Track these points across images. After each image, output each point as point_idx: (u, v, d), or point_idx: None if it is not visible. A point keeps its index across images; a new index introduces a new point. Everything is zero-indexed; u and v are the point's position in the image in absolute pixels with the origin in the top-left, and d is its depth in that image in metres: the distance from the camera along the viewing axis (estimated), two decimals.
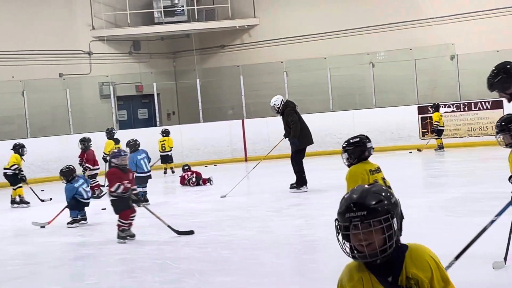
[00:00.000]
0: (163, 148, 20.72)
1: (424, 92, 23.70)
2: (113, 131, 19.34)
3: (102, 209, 13.36)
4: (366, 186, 3.40)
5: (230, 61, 27.46)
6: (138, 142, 15.02)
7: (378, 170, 7.49)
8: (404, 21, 24.53)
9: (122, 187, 10.19)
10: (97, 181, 17.02)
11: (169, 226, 10.49)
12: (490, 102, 21.63)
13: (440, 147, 21.31)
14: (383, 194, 3.31)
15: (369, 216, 3.23)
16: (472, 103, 21.96)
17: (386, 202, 3.29)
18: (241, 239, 9.85)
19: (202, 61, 28.56)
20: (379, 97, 23.85)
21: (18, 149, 16.29)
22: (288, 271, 7.91)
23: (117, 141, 18.80)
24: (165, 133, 20.87)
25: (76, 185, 12.35)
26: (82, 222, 12.20)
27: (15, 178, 15.97)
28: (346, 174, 7.71)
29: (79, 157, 17.33)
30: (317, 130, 23.12)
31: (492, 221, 7.33)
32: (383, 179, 7.42)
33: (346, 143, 7.82)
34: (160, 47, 28.91)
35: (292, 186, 14.70)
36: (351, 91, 25.14)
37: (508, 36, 22.64)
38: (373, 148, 7.75)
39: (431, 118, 22.35)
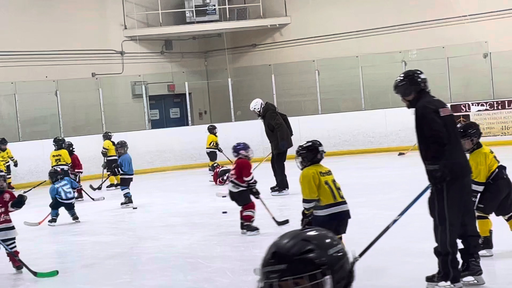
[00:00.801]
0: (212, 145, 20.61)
1: (457, 90, 23.53)
2: (109, 133, 19.24)
3: (223, 212, 12.95)
4: (300, 229, 2.63)
5: (261, 60, 27.45)
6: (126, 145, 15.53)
7: (329, 172, 7.98)
8: (436, 19, 24.36)
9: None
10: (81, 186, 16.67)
11: (273, 218, 10.80)
12: None
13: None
14: (317, 241, 2.48)
15: (287, 272, 2.46)
16: (506, 101, 21.77)
17: (317, 253, 2.44)
18: (273, 238, 9.81)
19: (233, 60, 28.58)
20: None
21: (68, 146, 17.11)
22: None
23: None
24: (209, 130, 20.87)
25: (57, 185, 12.59)
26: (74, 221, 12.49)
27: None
28: (299, 177, 8.09)
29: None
30: (349, 129, 23.18)
31: (395, 220, 7.95)
32: (333, 181, 7.93)
33: (300, 148, 8.23)
34: (191, 46, 28.98)
35: (273, 189, 14.71)
36: (383, 89, 24.94)
37: None
38: (324, 152, 8.19)
39: (464, 116, 22.21)
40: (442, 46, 23.42)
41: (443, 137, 7.00)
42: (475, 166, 7.99)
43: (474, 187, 7.78)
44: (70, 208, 12.58)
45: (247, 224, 10.00)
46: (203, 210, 13.23)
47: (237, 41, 28.40)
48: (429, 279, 6.98)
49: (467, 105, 22.20)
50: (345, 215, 8.06)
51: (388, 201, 12.47)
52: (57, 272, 8.26)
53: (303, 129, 22.15)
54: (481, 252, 7.51)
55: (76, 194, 13.56)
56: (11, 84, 22.36)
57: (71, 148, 17.33)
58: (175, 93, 27.50)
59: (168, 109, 28.21)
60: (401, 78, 8.08)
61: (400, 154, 21.20)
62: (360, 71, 24.13)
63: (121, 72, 26.37)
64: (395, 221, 7.81)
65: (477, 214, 7.85)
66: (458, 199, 6.91)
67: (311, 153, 8.10)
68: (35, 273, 8.41)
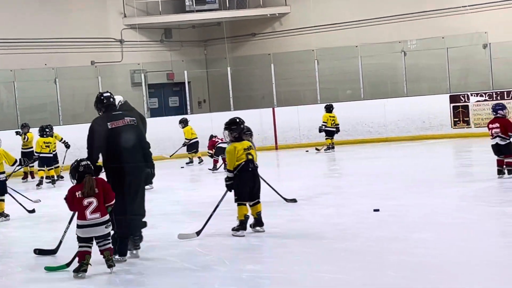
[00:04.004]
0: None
1: (456, 81, 23.53)
2: (47, 129, 18.84)
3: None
4: None
5: (261, 49, 27.44)
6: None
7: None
8: (436, 9, 24.35)
9: None
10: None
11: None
12: None
13: (329, 147, 21.19)
14: None
15: None
16: (505, 92, 21.75)
17: None
18: (271, 227, 9.84)
19: (233, 49, 28.56)
20: (411, 85, 23.70)
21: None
22: (318, 259, 7.90)
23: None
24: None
25: None
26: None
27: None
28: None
29: None
30: (348, 118, 23.15)
31: (217, 206, 9.62)
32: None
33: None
34: (191, 35, 28.96)
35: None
36: (383, 79, 25.02)
37: None
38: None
39: (463, 107, 22.22)
40: (442, 36, 23.39)
41: None
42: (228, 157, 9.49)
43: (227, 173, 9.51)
44: None
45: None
46: (201, 198, 13.23)
47: (236, 30, 28.37)
48: None
49: (466, 95, 22.21)
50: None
51: (387, 191, 12.48)
52: (66, 266, 8.22)
53: (302, 119, 22.16)
54: (237, 233, 9.29)
55: None
56: (10, 71, 22.36)
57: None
58: (174, 81, 27.50)
59: (167, 98, 28.21)
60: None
61: (316, 150, 21.27)
62: (359, 61, 24.10)
63: (121, 60, 26.36)
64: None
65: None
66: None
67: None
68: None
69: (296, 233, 9.42)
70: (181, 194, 14.64)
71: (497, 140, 12.76)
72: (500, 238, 8.25)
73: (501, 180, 12.68)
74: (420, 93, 23.33)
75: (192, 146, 20.29)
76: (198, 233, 9.30)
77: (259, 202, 9.54)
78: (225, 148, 17.97)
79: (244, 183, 9.42)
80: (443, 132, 22.42)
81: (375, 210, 10.28)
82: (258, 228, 9.55)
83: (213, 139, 18.19)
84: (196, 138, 20.28)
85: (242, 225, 9.39)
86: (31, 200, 13.87)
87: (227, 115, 23.21)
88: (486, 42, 23.12)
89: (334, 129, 21.28)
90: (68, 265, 8.19)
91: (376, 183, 13.57)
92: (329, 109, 21.38)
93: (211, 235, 9.57)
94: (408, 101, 23.15)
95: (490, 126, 12.99)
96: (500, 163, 12.80)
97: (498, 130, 12.75)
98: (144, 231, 8.79)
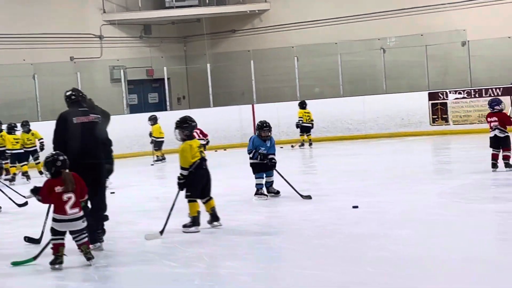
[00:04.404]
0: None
1: (435, 78, 23.64)
2: (15, 127, 18.75)
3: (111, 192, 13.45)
4: None
5: (240, 46, 27.44)
6: None
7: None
8: (415, 6, 24.45)
9: None
10: None
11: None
12: (501, 88, 21.56)
13: (309, 143, 21.37)
14: None
15: None
16: (483, 90, 21.88)
17: None
18: (250, 224, 9.87)
19: (212, 46, 28.53)
20: (390, 83, 23.79)
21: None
22: (297, 256, 7.92)
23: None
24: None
25: None
26: None
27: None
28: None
29: None
30: (327, 115, 23.21)
31: (173, 205, 9.47)
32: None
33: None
34: (170, 31, 28.90)
35: None
36: (362, 76, 25.08)
37: None
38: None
39: (442, 104, 22.32)
40: (421, 34, 23.51)
41: None
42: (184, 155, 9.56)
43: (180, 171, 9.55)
44: None
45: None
46: (180, 194, 13.20)
47: (216, 26, 28.34)
48: None
49: (444, 93, 22.32)
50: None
51: (365, 188, 12.51)
52: (33, 259, 8.23)
53: (281, 115, 22.18)
54: (190, 229, 9.41)
55: None
56: None
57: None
58: (154, 78, 27.46)
59: (147, 94, 28.15)
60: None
61: (292, 146, 21.44)
62: (339, 58, 24.17)
63: (100, 56, 26.26)
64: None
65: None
66: None
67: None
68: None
69: (275, 230, 9.44)
70: (160, 191, 14.61)
71: (496, 132, 13.09)
72: (477, 235, 8.30)
73: (479, 177, 12.77)
74: (399, 90, 23.41)
75: (157, 144, 20.17)
76: (161, 232, 9.30)
77: (211, 198, 9.69)
78: (204, 144, 18.02)
79: (198, 181, 9.56)
80: (421, 129, 22.52)
81: (354, 207, 10.31)
82: (215, 223, 9.67)
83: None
84: (163, 138, 20.11)
85: (195, 222, 9.50)
86: (23, 196, 13.80)
87: (207, 112, 23.50)
88: (465, 40, 23.25)
89: (310, 125, 21.38)
90: (35, 258, 8.21)
91: (355, 180, 13.61)
92: (302, 105, 21.48)
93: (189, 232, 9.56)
94: (387, 98, 23.23)
95: (489, 119, 13.34)
96: (494, 157, 13.09)
97: (496, 123, 13.10)
98: (124, 227, 8.77)
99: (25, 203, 12.73)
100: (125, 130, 21.47)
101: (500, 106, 13.34)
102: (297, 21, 26.55)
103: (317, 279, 6.92)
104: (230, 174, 16.11)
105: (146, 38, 28.05)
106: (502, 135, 13.08)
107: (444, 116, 22.38)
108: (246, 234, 9.30)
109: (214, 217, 9.69)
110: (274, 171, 12.00)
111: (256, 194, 11.88)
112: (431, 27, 23.69)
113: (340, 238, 8.76)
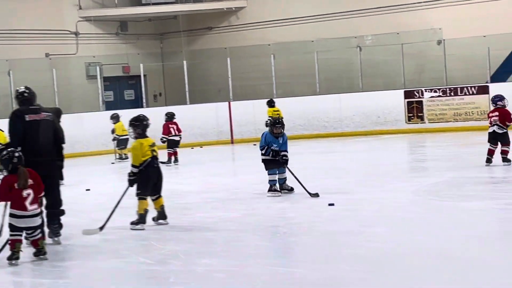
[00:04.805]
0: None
1: (410, 76, 23.73)
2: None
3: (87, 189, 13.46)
4: None
5: (217, 43, 27.41)
6: None
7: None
8: (392, 5, 24.52)
9: None
10: None
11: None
12: (476, 87, 21.70)
13: None
14: None
15: None
16: (458, 88, 22.00)
17: None
18: (226, 221, 9.87)
19: (189, 43, 28.49)
20: (366, 81, 23.85)
21: None
22: (272, 253, 7.94)
23: None
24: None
25: None
26: None
27: None
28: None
29: None
30: (304, 113, 23.24)
31: (119, 201, 9.61)
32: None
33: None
34: (147, 28, 28.82)
35: None
36: (338, 74, 25.13)
37: (495, 22, 22.68)
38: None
39: (417, 102, 22.42)
40: (397, 32, 23.59)
41: None
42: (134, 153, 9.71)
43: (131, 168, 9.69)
44: None
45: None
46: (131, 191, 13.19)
47: (193, 23, 28.29)
48: None
49: (420, 91, 22.42)
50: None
51: (341, 185, 12.55)
52: None
53: (258, 113, 22.17)
54: (136, 227, 9.49)
55: None
56: None
57: None
58: (130, 74, 27.36)
59: (123, 91, 28.05)
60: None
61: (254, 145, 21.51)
62: (315, 56, 24.20)
63: (76, 52, 26.14)
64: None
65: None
66: None
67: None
68: None
69: (251, 227, 9.44)
70: (135, 188, 14.53)
71: (495, 128, 13.44)
72: (452, 232, 8.34)
73: (454, 174, 12.86)
74: (375, 88, 23.47)
75: (121, 142, 20.01)
76: (101, 228, 9.39)
77: (160, 196, 9.76)
78: (178, 140, 18.01)
79: (149, 179, 9.64)
80: (397, 127, 22.60)
81: (330, 205, 10.33)
82: (161, 221, 9.77)
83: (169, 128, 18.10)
84: (127, 135, 19.97)
85: (141, 219, 9.59)
86: None
87: (183, 109, 23.44)
88: (441, 39, 23.36)
89: None
90: None
91: (331, 178, 13.65)
92: (271, 104, 21.54)
93: (165, 229, 9.55)
94: (363, 96, 23.28)
95: (490, 114, 13.73)
96: (490, 152, 13.45)
97: (497, 118, 13.44)
98: (98, 225, 8.73)
99: None
100: (101, 127, 21.39)
101: (503, 102, 13.69)
102: (273, 18, 26.56)
103: (292, 276, 6.94)
104: (206, 172, 16.13)
105: (123, 34, 27.95)
106: (500, 131, 13.40)
107: (419, 114, 22.47)
108: (222, 231, 9.30)
109: (161, 215, 9.79)
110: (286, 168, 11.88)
111: (269, 190, 11.77)
112: (407, 26, 23.79)
113: (316, 235, 8.78)
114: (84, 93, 25.33)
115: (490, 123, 13.58)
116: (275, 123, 11.98)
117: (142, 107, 24.46)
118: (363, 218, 9.55)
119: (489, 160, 13.40)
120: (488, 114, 14.05)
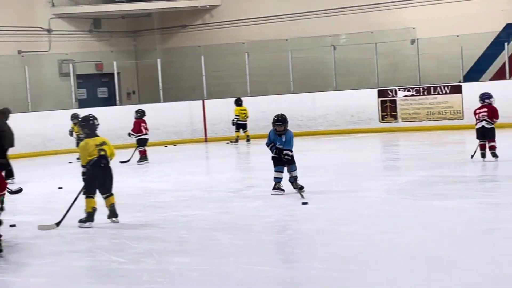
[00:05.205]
0: None
1: (384, 75, 23.80)
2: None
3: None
4: None
5: (191, 41, 27.36)
6: None
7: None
8: (366, 4, 24.60)
9: None
10: None
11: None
12: (449, 86, 21.82)
13: (247, 139, 21.66)
14: None
15: None
16: (432, 87, 22.11)
17: None
18: (199, 220, 9.85)
19: (163, 41, 28.41)
20: (340, 79, 23.91)
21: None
22: (246, 252, 7.92)
23: None
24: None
25: None
26: None
27: None
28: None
29: None
30: (277, 111, 23.13)
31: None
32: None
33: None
34: (121, 25, 28.69)
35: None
36: (312, 73, 25.16)
37: (468, 22, 22.81)
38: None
39: (391, 101, 22.50)
40: (371, 31, 23.66)
41: None
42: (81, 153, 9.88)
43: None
44: None
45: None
46: (129, 190, 13.14)
47: (166, 21, 28.23)
48: None
49: (394, 90, 22.51)
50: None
51: (315, 184, 12.55)
52: None
53: (232, 111, 22.15)
54: (84, 225, 9.60)
55: None
56: None
57: None
58: (103, 72, 27.24)
59: (96, 89, 27.91)
60: None
61: (227, 143, 21.71)
62: (289, 54, 24.21)
63: (48, 50, 25.97)
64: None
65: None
66: None
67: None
68: None
69: (225, 226, 9.41)
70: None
71: (483, 123, 13.89)
72: (424, 231, 8.37)
73: (426, 173, 12.93)
74: (349, 87, 23.53)
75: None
76: (57, 224, 9.52)
77: (111, 194, 9.83)
78: (146, 139, 17.96)
79: (94, 178, 9.72)
80: (371, 126, 22.67)
81: (303, 203, 10.34)
82: (113, 219, 9.82)
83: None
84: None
85: (89, 217, 9.68)
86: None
87: (157, 107, 23.40)
88: (414, 38, 23.46)
89: (246, 122, 21.56)
90: None
91: (304, 176, 13.62)
92: (238, 102, 21.63)
93: (138, 227, 9.52)
94: (337, 95, 23.33)
95: (478, 111, 14.13)
96: (483, 147, 13.94)
97: (485, 114, 13.91)
98: (71, 223, 8.67)
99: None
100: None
101: (491, 100, 14.09)
102: (248, 17, 26.54)
103: (266, 275, 6.93)
104: (179, 170, 16.09)
105: (96, 32, 27.81)
106: (488, 126, 13.82)
107: (393, 113, 22.57)
108: (195, 230, 9.27)
109: (112, 214, 9.85)
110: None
111: (273, 188, 11.48)
112: (381, 25, 23.87)
113: (289, 234, 8.78)
114: (56, 90, 25.17)
115: (478, 119, 13.96)
116: (275, 121, 11.73)
117: (115, 105, 24.36)
118: (337, 217, 9.56)
119: (483, 155, 13.83)
120: (474, 111, 14.30)
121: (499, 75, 22.41)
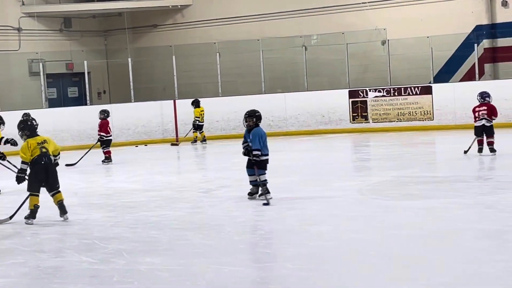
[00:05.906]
0: None
1: (355, 76, 23.91)
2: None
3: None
4: None
5: (162, 41, 27.30)
6: None
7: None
8: (337, 5, 24.69)
9: None
10: None
11: (265, 192, 10.77)
12: (420, 87, 21.95)
13: (203, 140, 21.94)
14: None
15: None
16: (402, 88, 22.23)
17: None
18: (170, 220, 9.83)
19: (134, 40, 28.32)
20: (311, 80, 23.97)
21: None
22: (217, 252, 7.92)
23: None
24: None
25: None
26: None
27: None
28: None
29: None
30: None
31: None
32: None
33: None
34: (91, 25, 28.56)
35: None
36: (283, 73, 25.21)
37: (438, 23, 22.99)
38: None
39: (361, 102, 22.59)
40: (342, 32, 23.75)
41: None
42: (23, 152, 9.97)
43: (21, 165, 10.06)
44: None
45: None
46: (100, 190, 13.09)
47: (137, 21, 28.15)
48: None
49: (364, 91, 22.60)
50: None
51: (285, 184, 12.58)
52: None
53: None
54: (28, 221, 9.79)
55: None
56: None
57: None
58: (74, 72, 27.11)
59: (66, 88, 27.76)
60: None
61: (173, 144, 21.81)
62: (261, 55, 24.23)
63: (18, 49, 25.79)
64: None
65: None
66: None
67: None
68: None
69: (196, 226, 9.41)
70: (79, 186, 14.40)
71: (484, 122, 14.55)
72: (395, 231, 8.42)
73: (397, 174, 13.00)
74: (320, 87, 23.60)
75: None
76: (11, 217, 9.98)
77: (58, 192, 10.02)
78: (111, 140, 17.93)
79: (36, 175, 9.91)
80: (342, 126, 22.75)
81: (264, 204, 10.35)
82: (64, 215, 10.00)
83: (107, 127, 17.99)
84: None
85: (32, 214, 9.90)
86: None
87: (127, 107, 23.30)
88: (385, 39, 23.59)
89: (203, 123, 21.68)
90: None
91: (275, 177, 13.64)
92: (197, 104, 21.72)
93: (109, 227, 9.48)
94: (308, 95, 23.39)
95: (477, 109, 14.74)
96: (480, 142, 14.65)
97: (485, 112, 14.56)
98: (41, 223, 8.62)
99: None
100: (44, 124, 20.98)
101: (489, 98, 14.72)
102: (219, 17, 26.55)
103: (237, 275, 6.93)
104: (150, 170, 16.05)
105: (66, 31, 27.67)
106: (488, 124, 14.55)
107: (364, 114, 22.66)
108: (166, 229, 9.26)
109: (61, 210, 10.02)
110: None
111: (259, 194, 11.00)
112: (352, 26, 23.97)
113: (260, 234, 8.79)
114: (26, 90, 25.02)
115: (477, 117, 14.59)
116: (244, 115, 11.42)
117: (86, 104, 24.23)
118: (307, 217, 9.58)
119: (481, 150, 14.54)
120: (474, 109, 14.83)
121: (469, 76, 22.60)
